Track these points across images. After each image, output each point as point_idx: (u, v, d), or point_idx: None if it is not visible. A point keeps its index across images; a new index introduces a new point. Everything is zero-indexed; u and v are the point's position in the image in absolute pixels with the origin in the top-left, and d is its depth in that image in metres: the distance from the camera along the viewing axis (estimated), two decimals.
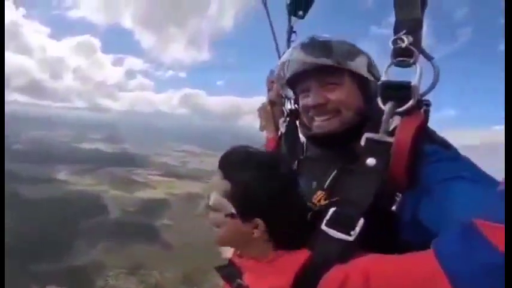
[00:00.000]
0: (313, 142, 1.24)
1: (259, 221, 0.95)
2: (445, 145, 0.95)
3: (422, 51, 0.92)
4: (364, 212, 0.85)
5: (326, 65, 1.06)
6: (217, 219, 0.97)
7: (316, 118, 1.14)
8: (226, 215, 0.96)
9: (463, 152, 0.96)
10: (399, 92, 0.90)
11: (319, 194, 1.05)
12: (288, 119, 1.39)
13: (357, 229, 0.83)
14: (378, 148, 0.90)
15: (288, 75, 1.22)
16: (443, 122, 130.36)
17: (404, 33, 0.90)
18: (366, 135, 0.93)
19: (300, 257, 0.89)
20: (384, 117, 0.91)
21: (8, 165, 49.33)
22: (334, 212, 0.89)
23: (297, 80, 1.19)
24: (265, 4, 1.63)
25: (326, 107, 1.10)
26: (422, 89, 0.92)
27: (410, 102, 0.88)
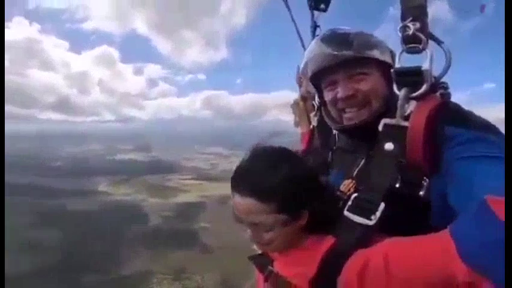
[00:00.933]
0: (344, 134, 1.24)
1: (304, 212, 0.98)
2: (479, 125, 0.89)
3: (431, 36, 0.93)
4: (385, 196, 0.87)
5: (351, 57, 1.07)
6: (270, 235, 0.98)
7: (347, 110, 1.13)
8: (281, 225, 0.96)
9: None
10: (413, 77, 0.91)
11: (348, 182, 1.07)
12: (318, 112, 1.37)
13: (377, 214, 0.85)
14: (395, 133, 0.92)
15: (311, 70, 1.18)
16: (485, 96, 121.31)
17: (410, 20, 0.92)
18: (384, 120, 0.96)
19: (326, 243, 0.92)
20: (399, 102, 0.93)
21: (52, 182, 52.83)
22: (356, 197, 0.92)
23: (322, 75, 1.16)
24: (286, 2, 1.67)
25: (356, 98, 1.10)
26: (438, 71, 0.94)
27: (424, 87, 0.90)
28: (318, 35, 1.56)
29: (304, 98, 1.65)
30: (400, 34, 0.94)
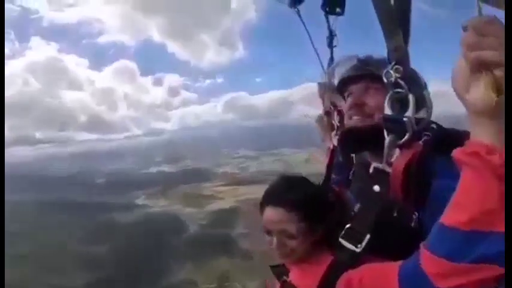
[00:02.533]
0: (341, 146, 1.39)
1: (321, 227, 1.26)
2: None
3: (414, 80, 1.01)
4: (370, 229, 1.04)
5: (369, 71, 1.22)
6: (295, 243, 1.23)
7: (354, 117, 1.27)
8: (303, 235, 1.22)
9: None
10: (398, 125, 0.99)
11: (358, 206, 1.18)
12: (338, 131, 1.48)
13: (363, 243, 1.05)
14: (381, 177, 1.05)
15: (338, 77, 1.35)
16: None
17: (392, 66, 0.98)
18: (374, 164, 1.09)
19: (327, 260, 1.16)
20: (385, 149, 1.03)
21: (99, 198, 56.16)
22: (349, 228, 1.11)
23: (346, 85, 1.33)
24: (298, 13, 1.65)
25: (362, 108, 1.24)
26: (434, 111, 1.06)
27: (406, 136, 0.99)
28: (335, 46, 1.66)
29: (327, 113, 1.74)
30: (385, 80, 1.01)
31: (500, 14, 0.61)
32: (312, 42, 1.70)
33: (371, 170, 1.11)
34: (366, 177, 1.24)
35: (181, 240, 41.18)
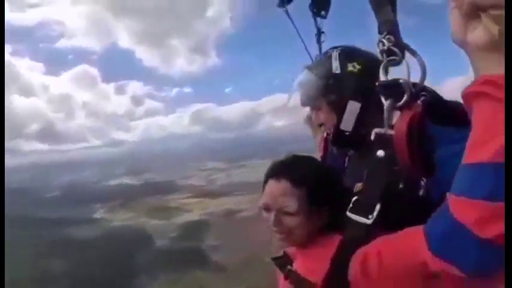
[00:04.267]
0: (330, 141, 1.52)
1: (325, 209, 1.20)
2: (462, 119, 0.89)
3: (406, 48, 1.03)
4: (380, 197, 1.00)
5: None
6: (294, 221, 1.15)
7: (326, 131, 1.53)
8: (304, 214, 1.15)
9: None
10: (395, 89, 1.02)
11: (359, 185, 1.19)
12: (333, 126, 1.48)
13: (374, 213, 0.98)
14: (384, 141, 1.03)
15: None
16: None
17: (384, 35, 1.02)
18: (375, 130, 1.06)
19: (336, 240, 1.08)
20: (385, 113, 1.03)
21: (50, 213, 51.10)
22: (356, 200, 1.05)
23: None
24: (287, 12, 1.72)
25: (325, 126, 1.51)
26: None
27: (404, 98, 1.00)
28: (323, 41, 1.72)
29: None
30: (378, 48, 1.04)
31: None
32: (301, 39, 1.79)
33: (372, 137, 1.05)
34: (366, 148, 1.20)
35: (150, 254, 38.87)
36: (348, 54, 1.33)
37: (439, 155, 0.97)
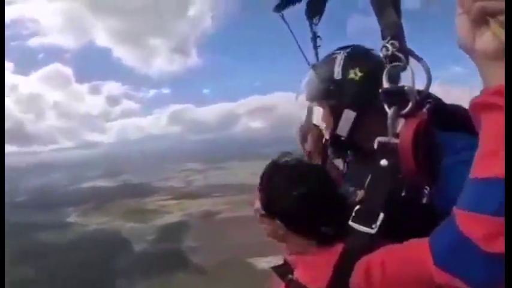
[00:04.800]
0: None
1: (317, 230, 1.15)
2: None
3: (410, 53, 1.00)
4: (383, 207, 0.97)
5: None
6: (288, 244, 1.22)
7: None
8: (292, 237, 1.18)
9: None
10: (399, 96, 0.99)
11: (360, 193, 1.16)
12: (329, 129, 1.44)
13: (378, 222, 0.96)
14: (388, 150, 1.00)
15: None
16: (451, 79, 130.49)
17: (388, 40, 0.99)
18: (378, 139, 1.03)
19: (337, 249, 1.06)
20: (389, 121, 1.00)
21: (22, 218, 48.33)
22: (358, 209, 1.03)
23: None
24: (283, 17, 1.69)
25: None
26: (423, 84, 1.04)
27: (409, 105, 0.97)
28: (319, 46, 1.68)
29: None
30: (381, 54, 1.02)
31: None
32: (297, 44, 1.74)
33: (375, 146, 1.03)
34: (367, 156, 1.18)
35: (129, 258, 37.88)
36: (353, 58, 1.26)
37: (445, 164, 0.96)
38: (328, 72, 1.28)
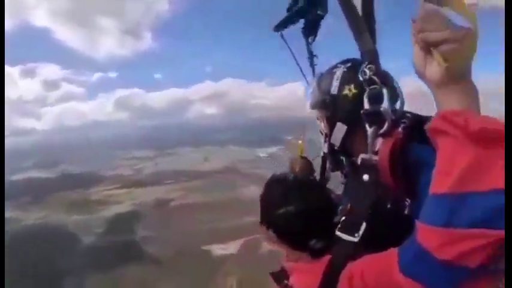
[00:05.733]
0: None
1: (310, 244, 1.20)
2: None
3: (385, 76, 1.14)
4: (365, 218, 1.06)
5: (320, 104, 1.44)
6: (285, 252, 1.28)
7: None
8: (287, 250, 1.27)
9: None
10: (377, 117, 1.10)
11: (349, 206, 1.22)
12: (327, 139, 1.46)
13: (360, 232, 1.05)
14: (369, 166, 1.09)
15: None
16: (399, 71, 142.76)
17: (366, 65, 1.11)
18: (361, 155, 1.13)
19: (327, 258, 1.12)
20: (369, 140, 1.11)
21: None
22: (344, 220, 1.12)
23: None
24: (282, 36, 1.71)
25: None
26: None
27: (385, 126, 1.08)
28: (316, 64, 1.68)
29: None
30: (360, 77, 1.15)
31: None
32: (296, 62, 1.76)
33: (359, 162, 1.13)
34: (354, 170, 1.30)
35: (77, 253, 35.69)
36: (350, 75, 1.28)
37: (421, 180, 0.99)
38: (327, 85, 1.34)
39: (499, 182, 0.62)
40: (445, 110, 0.72)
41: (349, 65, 1.34)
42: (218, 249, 37.47)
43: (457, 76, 0.71)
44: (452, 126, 0.69)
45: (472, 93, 0.73)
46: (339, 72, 1.33)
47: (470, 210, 0.65)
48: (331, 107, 1.33)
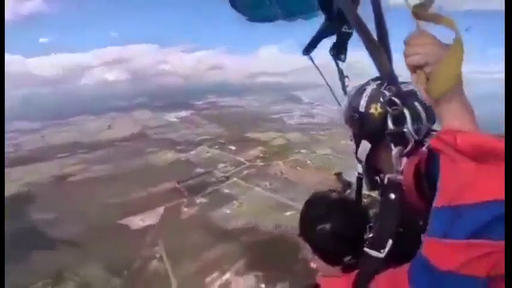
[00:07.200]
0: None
1: (342, 261, 1.29)
2: None
3: (405, 97, 1.13)
4: (392, 235, 1.10)
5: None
6: (316, 264, 1.38)
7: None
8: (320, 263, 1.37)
9: None
10: (402, 137, 1.14)
11: (377, 224, 1.25)
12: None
13: (386, 248, 1.09)
14: (395, 185, 1.14)
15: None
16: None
17: (385, 87, 1.14)
18: (388, 175, 1.18)
19: (354, 274, 1.19)
20: (393, 160, 1.14)
21: None
22: (371, 237, 1.17)
23: None
24: (311, 59, 1.73)
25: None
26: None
27: (409, 146, 1.12)
28: (347, 85, 1.67)
29: None
30: (381, 99, 1.21)
31: (436, 27, 0.78)
32: (327, 83, 1.76)
33: (385, 181, 1.19)
34: (382, 189, 1.31)
35: None
36: (378, 93, 1.26)
37: None
38: (356, 102, 1.33)
39: (491, 194, 0.66)
40: (441, 129, 0.78)
41: (378, 82, 1.32)
42: (136, 221, 35.90)
43: (442, 95, 0.76)
44: (444, 144, 0.74)
45: (465, 109, 0.77)
46: (368, 90, 1.33)
47: (465, 221, 0.69)
48: (358, 124, 1.34)
